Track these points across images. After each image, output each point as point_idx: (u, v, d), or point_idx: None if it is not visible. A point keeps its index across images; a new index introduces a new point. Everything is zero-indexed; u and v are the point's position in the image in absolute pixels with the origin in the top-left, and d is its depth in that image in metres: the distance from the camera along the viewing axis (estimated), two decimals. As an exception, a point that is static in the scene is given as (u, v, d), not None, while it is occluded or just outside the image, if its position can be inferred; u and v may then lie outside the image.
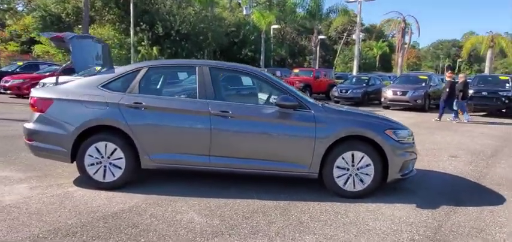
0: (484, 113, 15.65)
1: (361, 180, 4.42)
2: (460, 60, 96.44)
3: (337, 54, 65.54)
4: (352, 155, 4.41)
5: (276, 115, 4.39)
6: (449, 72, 15.48)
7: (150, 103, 4.44)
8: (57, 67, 16.64)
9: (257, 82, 4.93)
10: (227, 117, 4.37)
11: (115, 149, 4.39)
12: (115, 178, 4.42)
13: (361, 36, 55.06)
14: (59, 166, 5.25)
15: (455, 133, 10.19)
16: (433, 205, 4.29)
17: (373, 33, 65.57)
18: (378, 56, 66.18)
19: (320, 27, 42.83)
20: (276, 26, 37.39)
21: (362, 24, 55.64)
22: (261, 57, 29.66)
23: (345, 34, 66.30)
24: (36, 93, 4.61)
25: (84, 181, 4.53)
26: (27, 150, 4.75)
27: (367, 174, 4.41)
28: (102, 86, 4.51)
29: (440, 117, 13.03)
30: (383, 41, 69.41)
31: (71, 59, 4.78)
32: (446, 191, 4.85)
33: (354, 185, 4.43)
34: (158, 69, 4.96)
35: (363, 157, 4.40)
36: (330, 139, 4.35)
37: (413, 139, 4.72)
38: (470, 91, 15.98)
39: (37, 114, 4.49)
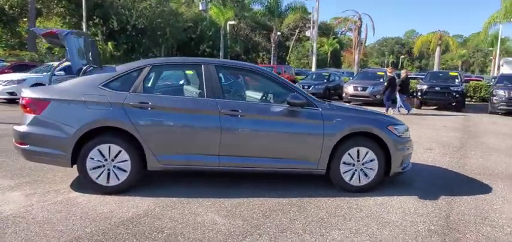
0: (435, 107, 16.67)
1: (366, 175, 4.59)
2: (403, 56, 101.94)
3: (290, 51, 66.61)
4: (358, 151, 4.55)
5: (285, 114, 4.43)
6: (390, 68, 16.49)
7: (157, 103, 4.30)
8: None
9: (262, 80, 4.92)
10: (237, 116, 4.34)
11: (119, 151, 4.20)
12: (120, 182, 4.24)
13: (317, 32, 56.25)
14: (49, 171, 4.94)
15: (420, 126, 10.79)
16: (432, 196, 4.54)
17: (324, 30, 67.59)
18: (329, 53, 68.16)
19: (275, 24, 43.28)
20: (232, 22, 37.30)
21: (314, 22, 57.09)
22: (220, 54, 29.46)
23: (297, 31, 67.44)
24: (29, 93, 4.28)
25: (82, 185, 4.33)
26: (11, 155, 4.41)
27: (371, 169, 4.58)
28: (103, 85, 4.29)
29: (387, 111, 13.57)
30: (334, 38, 71.63)
31: (66, 56, 4.49)
32: (438, 183, 5.15)
33: (359, 180, 4.58)
34: (162, 68, 4.80)
35: (367, 153, 4.56)
36: (338, 136, 4.47)
37: (409, 134, 4.96)
38: (424, 87, 17.03)
39: (31, 116, 4.18)
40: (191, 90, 4.70)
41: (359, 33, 23.70)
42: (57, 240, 3.14)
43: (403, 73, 15.33)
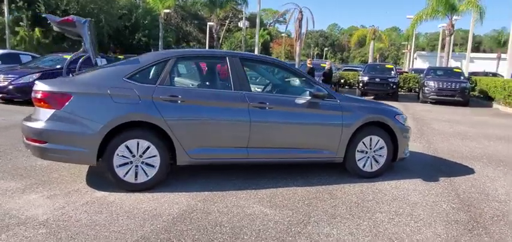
0: (373, 97, 18.00)
1: (377, 161, 4.95)
2: (326, 48, 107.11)
3: (220, 41, 66.42)
4: (370, 139, 4.90)
5: (308, 105, 4.60)
6: (309, 59, 17.53)
7: (187, 96, 4.21)
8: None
9: (284, 73, 5.02)
10: (265, 108, 4.42)
11: (148, 147, 4.05)
12: (148, 178, 4.09)
13: (246, 24, 56.79)
14: (52, 171, 4.63)
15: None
16: (432, 178, 5.05)
17: (254, 21, 68.32)
18: (260, 44, 69.38)
19: (216, 14, 42.97)
20: (167, 11, 36.16)
21: (242, 12, 57.58)
22: (160, 43, 28.48)
23: (227, 21, 67.40)
24: (45, 86, 3.92)
25: (101, 183, 4.16)
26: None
27: (381, 156, 4.96)
28: (127, 78, 4.09)
29: None
30: (264, 30, 72.95)
31: (84, 47, 4.18)
32: (428, 167, 5.71)
33: (371, 166, 4.94)
34: (187, 60, 4.67)
35: (378, 141, 4.93)
36: (354, 125, 4.76)
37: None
38: (365, 78, 18.32)
39: (49, 111, 3.85)
40: (217, 82, 4.65)
41: (300, 26, 24.52)
42: (124, 241, 3.00)
43: (327, 64, 16.46)
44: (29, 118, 4.12)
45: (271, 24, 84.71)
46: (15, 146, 5.74)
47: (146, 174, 4.09)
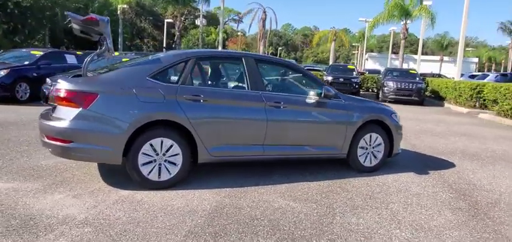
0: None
1: (375, 157, 5.35)
2: (280, 48, 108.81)
3: (175, 38, 65.31)
4: (370, 136, 5.28)
5: (317, 105, 4.88)
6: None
7: (209, 96, 4.33)
8: None
9: (293, 74, 5.26)
10: (280, 107, 4.64)
11: (171, 145, 4.14)
12: (171, 176, 4.18)
13: (204, 22, 56.45)
14: (62, 170, 4.58)
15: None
16: (423, 171, 5.53)
17: (210, 19, 68.28)
18: (216, 42, 69.18)
19: (179, 11, 42.19)
20: (124, 5, 35.11)
21: (198, 9, 57.17)
22: (119, 40, 27.61)
23: (183, 18, 66.49)
24: (70, 85, 3.88)
25: (120, 182, 4.22)
26: None
27: (379, 151, 5.36)
28: (151, 77, 4.14)
29: None
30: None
31: (106, 45, 4.15)
32: (415, 161, 6.22)
33: (371, 161, 5.33)
34: (205, 60, 4.75)
35: (377, 138, 5.33)
36: (357, 123, 5.12)
37: (400, 121, 5.89)
38: (330, 78, 19.05)
39: (75, 110, 3.83)
40: (234, 82, 4.79)
41: (264, 25, 24.87)
42: (175, 236, 3.10)
43: None
44: (48, 117, 4.05)
45: (227, 22, 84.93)
46: (7, 145, 5.52)
47: (169, 171, 4.16)
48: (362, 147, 5.23)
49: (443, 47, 53.62)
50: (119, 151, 3.92)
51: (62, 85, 3.88)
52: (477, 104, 15.64)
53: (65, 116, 3.84)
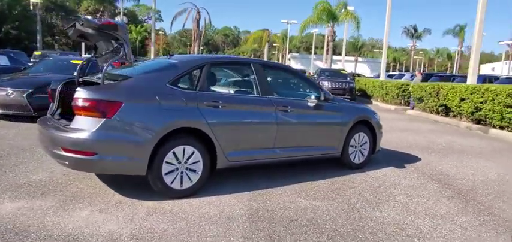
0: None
1: (362, 154, 5.80)
2: (202, 47, 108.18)
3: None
4: (358, 135, 5.71)
5: (317, 107, 5.16)
6: None
7: (227, 102, 4.36)
8: None
9: (292, 78, 5.44)
10: (287, 111, 4.83)
11: (193, 152, 4.10)
12: (192, 184, 4.14)
13: (125, 19, 53.90)
14: (64, 184, 4.27)
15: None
16: (400, 165, 6.12)
17: (129, 17, 65.70)
18: (137, 41, 66.50)
19: (107, 10, 39.63)
20: (37, 0, 32.08)
21: (114, 6, 54.55)
22: (38, 38, 25.19)
23: (98, 15, 62.89)
24: (92, 94, 3.64)
25: (138, 192, 4.06)
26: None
27: (365, 149, 5.82)
28: (170, 84, 4.06)
29: None
30: (141, 26, 70.20)
31: (123, 51, 3.95)
32: (386, 156, 6.81)
33: (359, 159, 5.76)
34: (216, 66, 4.71)
35: (363, 137, 5.78)
36: (349, 124, 5.51)
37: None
38: (326, 83, 19.22)
39: (99, 120, 3.62)
40: (244, 88, 4.81)
41: (198, 25, 24.66)
42: (233, 243, 3.13)
43: None
44: (60, 127, 3.76)
45: (146, 20, 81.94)
46: (-19, 161, 4.92)
47: (190, 179, 4.12)
48: (352, 146, 5.64)
49: (357, 48, 57.97)
50: (145, 161, 3.79)
51: (83, 94, 3.63)
52: (402, 102, 17.36)
53: (87, 127, 3.60)
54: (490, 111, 10.56)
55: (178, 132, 3.99)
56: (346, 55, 64.39)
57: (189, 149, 4.07)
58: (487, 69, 64.09)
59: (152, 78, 4.10)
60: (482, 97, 10.92)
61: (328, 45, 27.06)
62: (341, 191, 4.62)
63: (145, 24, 77.51)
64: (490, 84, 11.68)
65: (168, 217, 3.56)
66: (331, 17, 24.11)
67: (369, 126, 5.84)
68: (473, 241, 3.47)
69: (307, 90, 5.35)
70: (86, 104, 3.61)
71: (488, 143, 8.99)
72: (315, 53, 51.19)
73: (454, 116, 12.69)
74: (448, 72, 64.99)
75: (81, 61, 5.02)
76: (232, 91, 4.73)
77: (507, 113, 9.90)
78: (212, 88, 4.48)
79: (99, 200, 3.85)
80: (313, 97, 5.14)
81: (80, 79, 4.68)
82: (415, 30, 58.70)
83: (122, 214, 3.57)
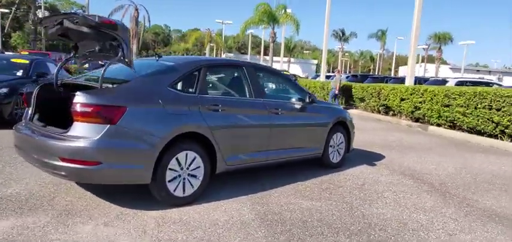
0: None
1: (339, 153, 6.04)
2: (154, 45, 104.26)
3: (6, 30, 55.99)
4: (336, 136, 5.94)
5: (303, 109, 5.27)
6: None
7: (226, 105, 4.29)
8: None
9: (279, 80, 5.46)
10: (278, 113, 4.87)
11: (194, 158, 3.98)
12: (194, 190, 4.01)
13: (46, 14, 49.94)
14: (46, 196, 3.88)
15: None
16: (371, 163, 6.46)
17: (51, 11, 60.99)
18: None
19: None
20: None
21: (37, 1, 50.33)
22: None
23: (14, 8, 57.56)
24: (94, 99, 3.36)
25: (139, 202, 3.87)
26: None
27: (341, 149, 6.07)
28: (171, 87, 3.90)
29: None
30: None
31: (121, 52, 3.68)
32: (354, 155, 7.13)
33: (336, 158, 5.99)
34: (212, 68, 4.55)
35: (340, 137, 6.02)
36: (330, 125, 5.70)
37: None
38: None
39: (102, 127, 3.36)
40: (237, 90, 4.72)
41: (137, 23, 23.64)
42: (261, 249, 3.10)
43: None
44: (55, 136, 3.42)
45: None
46: None
47: (192, 186, 3.99)
48: (331, 146, 5.84)
49: (290, 50, 59.71)
50: (150, 168, 3.59)
51: (84, 99, 3.33)
52: (343, 102, 18.28)
53: (90, 134, 3.32)
54: (428, 110, 11.55)
55: (182, 137, 3.84)
56: (279, 56, 66.31)
57: (191, 155, 3.93)
58: (404, 71, 69.95)
59: (153, 81, 3.89)
60: (421, 97, 11.91)
61: (263, 46, 27.55)
62: (332, 191, 4.77)
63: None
64: (428, 86, 12.77)
65: (181, 226, 3.42)
66: (272, 18, 24.64)
67: (345, 126, 6.09)
68: (467, 230, 3.80)
69: (294, 92, 5.43)
70: (88, 110, 3.32)
71: (431, 139, 9.83)
72: (245, 54, 51.87)
73: (394, 115, 13.68)
74: (371, 72, 69.64)
75: (61, 62, 4.59)
76: (227, 95, 4.65)
77: (444, 112, 10.91)
78: (210, 91, 4.37)
79: (98, 213, 3.57)
80: (300, 99, 5.24)
81: (59, 82, 4.31)
82: (343, 34, 61.98)
83: (130, 226, 3.35)
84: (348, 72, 63.93)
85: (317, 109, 5.51)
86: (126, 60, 3.69)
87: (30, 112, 4.14)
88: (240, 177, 4.89)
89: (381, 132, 10.44)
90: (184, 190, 3.91)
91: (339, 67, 21.38)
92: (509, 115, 8.86)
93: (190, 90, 4.10)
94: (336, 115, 5.87)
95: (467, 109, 10.06)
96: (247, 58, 45.98)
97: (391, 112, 13.88)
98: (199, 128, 3.95)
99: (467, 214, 4.24)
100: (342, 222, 3.77)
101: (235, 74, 4.74)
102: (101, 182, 3.59)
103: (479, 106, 9.69)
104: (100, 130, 3.33)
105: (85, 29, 3.53)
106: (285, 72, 19.18)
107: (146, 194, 3.90)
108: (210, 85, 4.51)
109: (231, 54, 61.17)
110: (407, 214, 4.11)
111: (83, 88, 3.99)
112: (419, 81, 17.95)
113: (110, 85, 3.61)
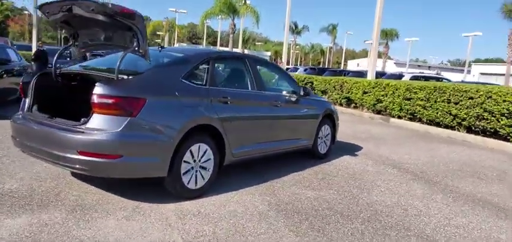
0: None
1: (326, 144, 6.27)
2: (63, 31, 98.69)
3: None
4: (324, 127, 6.16)
5: (298, 102, 5.41)
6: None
7: (235, 97, 4.32)
8: None
9: (275, 73, 5.54)
10: (278, 106, 4.98)
11: (206, 150, 3.99)
12: (205, 182, 4.03)
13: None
14: (52, 191, 3.74)
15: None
16: (352, 154, 6.77)
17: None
18: (-2, 22, 57.31)
19: None
20: None
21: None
22: None
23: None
24: (115, 90, 3.26)
25: (139, 194, 3.82)
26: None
27: (328, 140, 6.31)
28: (184, 78, 3.87)
29: None
30: (1, 4, 60.56)
31: (137, 43, 3.56)
32: (344, 149, 7.40)
33: (323, 149, 6.22)
34: (218, 60, 4.52)
35: (327, 128, 6.25)
36: (320, 117, 5.91)
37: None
38: None
39: (123, 119, 3.28)
40: (240, 83, 4.72)
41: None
42: (293, 236, 3.20)
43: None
44: (71, 128, 3.28)
45: (7, -2, 70.98)
46: None
47: (203, 178, 4.00)
48: (319, 137, 6.06)
49: (244, 41, 59.81)
50: (167, 161, 3.56)
51: (105, 90, 3.22)
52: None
53: (111, 127, 3.23)
54: (390, 102, 12.20)
55: (196, 129, 3.83)
56: (233, 48, 66.28)
57: (203, 147, 3.94)
58: (353, 65, 72.75)
59: (168, 72, 3.82)
60: (383, 91, 12.55)
61: (219, 37, 27.40)
62: (329, 181, 4.97)
63: (5, 2, 67.15)
64: (390, 80, 13.46)
65: (203, 218, 3.43)
66: (232, 10, 24.57)
67: (331, 119, 6.32)
68: (460, 214, 4.15)
69: (288, 85, 5.55)
70: (109, 101, 3.22)
71: (396, 130, 10.43)
72: (197, 44, 51.22)
73: (356, 107, 14.29)
74: (320, 65, 71.56)
75: (60, 51, 4.35)
76: (233, 87, 4.66)
77: (405, 105, 11.60)
78: (218, 83, 4.37)
79: (113, 208, 3.48)
80: (295, 91, 5.37)
81: (58, 72, 4.10)
82: (296, 27, 63.00)
83: (152, 219, 3.31)
84: (298, 65, 65.48)
85: (310, 102, 5.69)
86: (141, 50, 3.59)
87: (27, 102, 3.91)
88: (238, 170, 4.94)
89: (348, 124, 10.87)
90: (196, 183, 3.90)
91: (280, 59, 21.84)
92: (466, 108, 9.62)
93: (201, 82, 4.08)
94: (325, 107, 6.08)
95: (428, 102, 10.77)
96: (203, 47, 45.49)
97: (352, 105, 14.47)
98: (211, 120, 3.96)
99: (455, 200, 4.62)
100: (350, 210, 3.97)
101: (239, 66, 4.77)
102: (119, 176, 3.50)
103: (438, 100, 10.42)
104: (121, 122, 3.25)
105: (101, 17, 3.39)
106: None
107: (150, 187, 3.91)
108: (219, 77, 4.51)
109: (184, 44, 60.10)
110: (404, 201, 4.40)
111: (86, 78, 3.87)
112: (377, 75, 18.80)
113: (125, 77, 3.51)
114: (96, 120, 3.25)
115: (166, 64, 4.00)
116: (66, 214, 3.25)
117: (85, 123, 3.28)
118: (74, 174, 4.25)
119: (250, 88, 4.70)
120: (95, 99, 3.21)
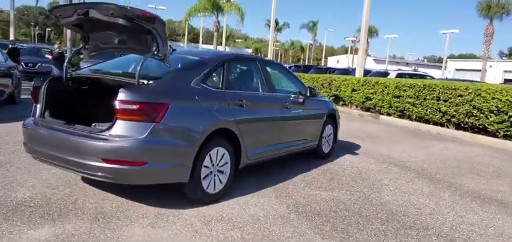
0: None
1: (329, 144, 6.34)
2: (49, 29, 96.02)
3: None
4: (328, 127, 6.22)
5: (305, 102, 5.45)
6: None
7: (249, 100, 4.32)
8: None
9: (282, 74, 5.55)
10: (287, 107, 5.00)
11: (223, 154, 3.98)
12: (222, 186, 4.01)
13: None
14: (67, 200, 3.66)
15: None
16: (354, 153, 6.86)
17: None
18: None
19: None
20: None
21: None
22: None
23: None
24: (139, 96, 3.20)
25: (155, 199, 3.78)
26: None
27: (330, 139, 6.38)
28: (202, 82, 3.83)
29: None
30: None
31: (156, 47, 3.49)
32: (339, 146, 7.45)
33: (327, 149, 6.28)
34: (232, 63, 4.47)
35: (330, 128, 6.32)
36: (325, 117, 5.97)
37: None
38: None
39: (148, 125, 3.24)
40: (252, 85, 4.70)
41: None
42: (320, 238, 3.23)
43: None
44: (95, 136, 3.21)
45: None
46: None
47: (221, 182, 3.98)
48: (323, 137, 6.11)
49: (226, 38, 59.60)
50: (189, 166, 3.53)
51: (129, 96, 3.16)
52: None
53: (135, 133, 3.17)
54: (380, 100, 12.41)
55: (215, 133, 3.80)
56: (210, 43, 66.01)
57: (221, 151, 3.92)
58: (333, 62, 73.56)
59: (187, 76, 3.77)
60: (372, 88, 12.76)
61: (201, 35, 27.26)
62: (339, 181, 5.03)
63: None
64: (379, 78, 13.68)
65: (227, 223, 3.42)
66: (216, 7, 24.43)
67: (334, 118, 6.39)
68: (471, 211, 4.27)
69: (295, 86, 5.57)
70: (133, 107, 3.16)
71: (386, 128, 10.62)
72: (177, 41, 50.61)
73: (345, 105, 14.47)
74: (300, 62, 72.03)
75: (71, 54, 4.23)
76: (246, 90, 4.64)
77: (395, 102, 11.82)
78: (231, 86, 4.34)
79: (135, 215, 3.42)
80: (301, 92, 5.40)
81: (68, 76, 4.00)
82: (277, 24, 63.23)
83: (177, 226, 3.27)
84: (279, 62, 65.67)
85: (315, 102, 5.73)
86: (160, 54, 3.53)
87: (39, 108, 3.79)
88: (247, 172, 4.93)
89: (341, 121, 10.99)
90: (214, 187, 3.88)
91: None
92: (455, 105, 9.89)
93: (218, 85, 4.05)
94: (329, 107, 6.14)
95: (417, 100, 11.01)
96: (183, 46, 45.03)
97: (341, 102, 14.64)
98: (229, 124, 3.94)
99: (462, 197, 4.75)
100: (367, 210, 4.03)
101: (251, 68, 4.76)
102: (142, 183, 3.45)
103: (428, 97, 10.67)
104: (145, 128, 3.20)
105: (120, 21, 3.32)
106: None
107: (166, 192, 3.88)
108: (233, 80, 4.48)
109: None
110: (415, 200, 4.50)
111: (98, 82, 3.80)
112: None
113: (145, 82, 3.45)
114: (120, 127, 3.19)
115: (185, 68, 3.95)
116: (90, 223, 3.18)
117: (109, 129, 3.21)
118: (85, 180, 4.15)
119: (261, 90, 4.71)
120: (119, 105, 3.15)
